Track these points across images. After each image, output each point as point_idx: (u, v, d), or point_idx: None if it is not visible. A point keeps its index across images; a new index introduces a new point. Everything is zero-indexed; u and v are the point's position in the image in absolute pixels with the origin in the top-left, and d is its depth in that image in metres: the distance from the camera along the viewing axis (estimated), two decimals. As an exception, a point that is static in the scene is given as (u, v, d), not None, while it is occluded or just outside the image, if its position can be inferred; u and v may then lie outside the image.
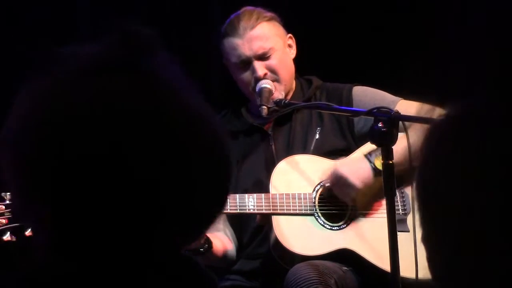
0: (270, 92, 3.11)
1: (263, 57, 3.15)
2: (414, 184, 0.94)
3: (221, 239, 3.18)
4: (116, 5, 3.75)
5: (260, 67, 3.13)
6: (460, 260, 0.88)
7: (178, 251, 1.12)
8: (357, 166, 3.01)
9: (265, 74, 3.14)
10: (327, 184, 3.03)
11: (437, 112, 0.93)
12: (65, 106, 1.04)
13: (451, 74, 0.92)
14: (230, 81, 3.30)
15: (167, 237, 1.09)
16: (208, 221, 1.14)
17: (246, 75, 3.17)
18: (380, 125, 2.59)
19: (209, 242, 3.02)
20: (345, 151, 3.14)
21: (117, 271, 1.07)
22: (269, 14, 3.20)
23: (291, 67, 3.24)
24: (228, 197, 1.14)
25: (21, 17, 3.71)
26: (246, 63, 3.15)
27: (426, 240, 0.93)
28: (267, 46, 3.15)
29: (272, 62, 3.16)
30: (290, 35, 3.26)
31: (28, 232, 2.63)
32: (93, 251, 1.06)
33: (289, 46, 3.25)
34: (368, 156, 3.00)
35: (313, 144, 3.15)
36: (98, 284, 1.07)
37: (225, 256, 3.15)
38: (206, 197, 1.10)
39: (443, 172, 0.89)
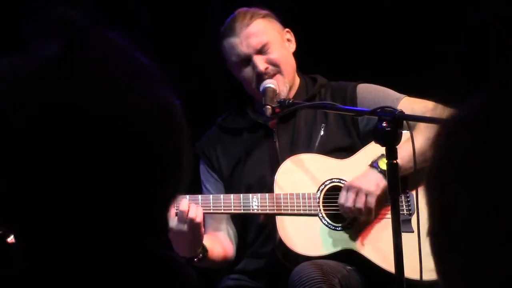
0: (274, 91, 3.10)
1: (262, 51, 3.16)
2: (425, 181, 0.92)
3: (221, 242, 3.17)
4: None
5: (260, 62, 3.14)
6: (474, 257, 0.87)
7: (152, 247, 1.12)
8: (368, 177, 3.00)
9: (267, 68, 3.14)
10: (341, 202, 3.00)
11: (443, 111, 0.92)
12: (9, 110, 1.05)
13: (457, 73, 0.91)
14: (233, 83, 3.30)
15: (138, 230, 1.09)
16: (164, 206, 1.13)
17: (248, 72, 3.17)
18: (384, 124, 2.59)
19: (204, 250, 3.01)
20: (349, 149, 3.13)
21: (91, 269, 1.07)
22: (263, 11, 3.24)
23: (292, 60, 3.25)
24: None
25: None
26: (247, 61, 3.17)
27: (434, 235, 0.92)
28: (264, 40, 3.16)
29: (271, 55, 3.17)
30: (287, 29, 3.28)
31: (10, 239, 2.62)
32: (65, 248, 1.07)
33: (288, 40, 3.27)
34: (373, 164, 3.01)
35: (317, 141, 3.14)
36: (74, 282, 1.07)
37: (223, 260, 3.15)
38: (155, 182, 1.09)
39: (455, 169, 0.88)
